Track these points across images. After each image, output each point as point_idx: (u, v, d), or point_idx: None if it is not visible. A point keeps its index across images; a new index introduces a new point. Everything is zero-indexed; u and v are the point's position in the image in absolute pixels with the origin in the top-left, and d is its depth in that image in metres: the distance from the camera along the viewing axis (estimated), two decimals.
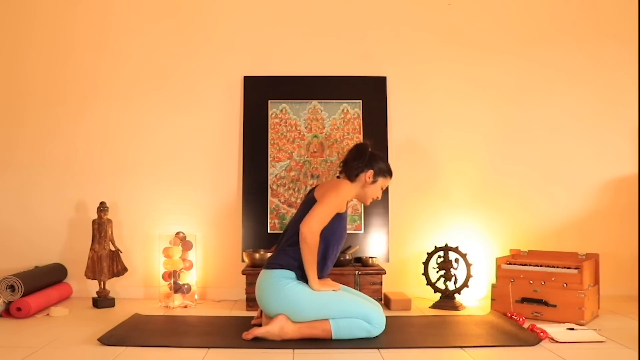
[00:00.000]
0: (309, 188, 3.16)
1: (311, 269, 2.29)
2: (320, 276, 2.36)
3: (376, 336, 2.28)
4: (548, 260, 2.79)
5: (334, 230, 2.36)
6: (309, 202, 2.38)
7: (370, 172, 2.45)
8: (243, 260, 3.06)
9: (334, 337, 2.24)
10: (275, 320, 2.26)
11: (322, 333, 2.25)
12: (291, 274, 2.31)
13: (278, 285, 2.28)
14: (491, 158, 3.25)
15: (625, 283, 3.17)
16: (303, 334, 2.25)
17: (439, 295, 2.95)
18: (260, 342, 2.21)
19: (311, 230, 2.26)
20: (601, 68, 3.27)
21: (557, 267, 2.66)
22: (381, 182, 2.51)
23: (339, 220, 2.37)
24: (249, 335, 2.25)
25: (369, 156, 2.46)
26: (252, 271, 2.85)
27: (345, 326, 2.25)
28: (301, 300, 2.25)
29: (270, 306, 2.30)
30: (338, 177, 2.54)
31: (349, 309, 2.26)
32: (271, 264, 2.36)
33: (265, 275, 2.35)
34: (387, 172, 2.52)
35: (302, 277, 2.33)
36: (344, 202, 2.39)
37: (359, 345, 2.18)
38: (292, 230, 2.38)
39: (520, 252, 2.98)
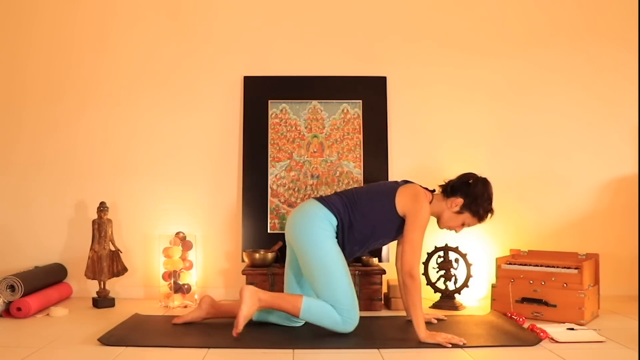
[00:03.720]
0: (309, 188, 3.16)
1: (417, 315, 2.19)
2: (350, 250, 2.40)
3: (344, 332, 2.26)
4: (548, 260, 2.79)
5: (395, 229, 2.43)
6: (388, 194, 2.38)
7: (460, 201, 2.39)
8: (243, 260, 3.06)
9: (300, 317, 2.26)
10: (243, 293, 2.23)
11: (292, 309, 2.26)
12: (334, 221, 2.34)
13: (318, 225, 2.32)
14: (491, 158, 3.25)
15: (625, 283, 3.17)
16: (274, 304, 2.27)
17: (439, 295, 2.95)
18: (260, 342, 2.21)
19: (413, 275, 2.21)
20: (600, 68, 3.27)
21: (557, 267, 2.65)
22: (465, 217, 2.41)
23: (400, 222, 2.38)
24: (238, 327, 2.20)
25: (472, 187, 2.40)
26: (252, 271, 2.85)
27: (316, 310, 2.26)
28: (321, 248, 2.29)
29: (295, 232, 2.34)
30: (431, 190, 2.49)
31: (337, 290, 2.25)
32: (323, 200, 2.40)
33: (313, 205, 2.38)
34: (477, 215, 2.40)
35: (342, 228, 2.35)
36: (427, 220, 2.35)
37: (359, 345, 2.18)
38: (356, 198, 2.40)
39: (520, 252, 2.98)
